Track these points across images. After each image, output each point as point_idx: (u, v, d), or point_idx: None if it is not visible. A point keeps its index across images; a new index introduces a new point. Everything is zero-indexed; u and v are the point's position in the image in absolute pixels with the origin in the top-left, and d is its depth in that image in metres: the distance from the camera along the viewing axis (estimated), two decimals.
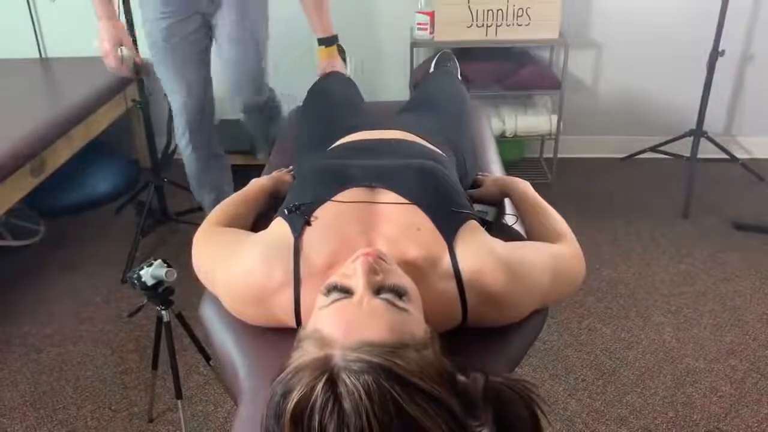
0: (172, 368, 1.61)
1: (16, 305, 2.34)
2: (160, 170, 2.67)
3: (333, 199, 1.10)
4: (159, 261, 1.50)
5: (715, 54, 2.80)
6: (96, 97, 2.70)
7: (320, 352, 0.80)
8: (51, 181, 2.44)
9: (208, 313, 1.19)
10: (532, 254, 1.10)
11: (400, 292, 0.87)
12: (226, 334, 1.13)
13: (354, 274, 0.89)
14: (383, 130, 1.35)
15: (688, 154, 2.95)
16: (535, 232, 1.28)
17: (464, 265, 1.01)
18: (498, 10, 2.77)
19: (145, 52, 2.20)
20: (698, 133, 2.93)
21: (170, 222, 2.75)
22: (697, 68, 2.93)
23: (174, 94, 2.18)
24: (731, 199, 2.93)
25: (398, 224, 1.06)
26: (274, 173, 1.53)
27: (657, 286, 2.35)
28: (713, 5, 2.73)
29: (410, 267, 0.99)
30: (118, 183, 3.09)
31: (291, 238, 1.05)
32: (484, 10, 2.77)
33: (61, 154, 2.45)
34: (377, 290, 0.87)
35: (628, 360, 2.00)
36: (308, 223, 1.06)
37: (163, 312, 1.58)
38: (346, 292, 0.87)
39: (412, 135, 1.35)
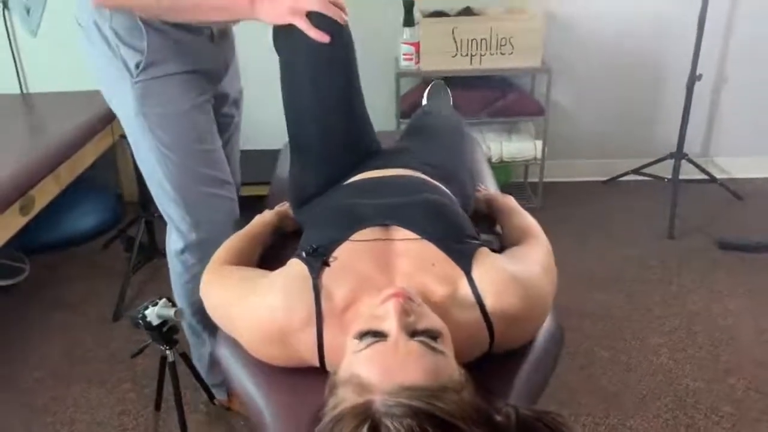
0: (177, 408, 1.59)
1: (4, 347, 2.28)
2: (149, 204, 2.64)
3: (349, 239, 1.10)
4: (164, 300, 1.49)
5: (693, 78, 2.88)
6: (82, 132, 2.66)
7: (360, 398, 0.80)
8: (34, 218, 2.39)
9: (225, 353, 1.18)
10: (532, 264, 1.13)
11: (434, 335, 0.88)
12: (246, 375, 1.12)
13: (386, 316, 0.89)
14: (387, 169, 1.36)
15: (668, 176, 3.02)
16: (510, 229, 1.36)
17: (485, 292, 1.03)
18: (482, 40, 2.82)
19: None
20: (679, 155, 3.01)
21: (160, 257, 2.72)
22: (675, 92, 3.01)
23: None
24: (713, 219, 2.99)
25: (414, 260, 1.07)
26: (278, 208, 1.52)
27: (650, 307, 2.38)
28: (689, 31, 2.81)
29: (431, 302, 1.00)
30: (102, 218, 3.04)
31: (309, 278, 1.05)
32: (468, 40, 2.82)
33: (50, 190, 2.41)
34: (411, 333, 0.87)
35: (629, 383, 2.01)
36: (327, 264, 1.07)
37: (168, 351, 1.56)
38: (380, 335, 0.87)
39: (415, 171, 1.36)
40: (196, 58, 1.51)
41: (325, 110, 1.37)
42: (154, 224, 2.69)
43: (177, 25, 1.44)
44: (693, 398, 1.95)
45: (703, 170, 3.15)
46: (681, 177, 2.98)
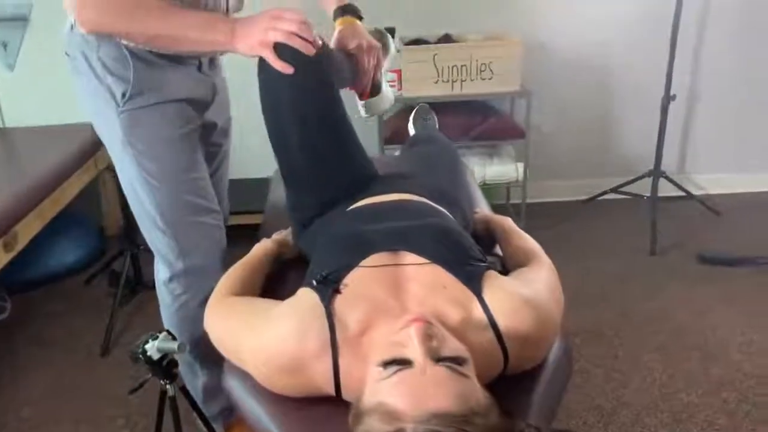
0: None
1: None
2: (135, 237, 2.61)
3: (359, 265, 1.11)
4: (164, 333, 1.46)
5: (667, 98, 2.97)
6: (64, 166, 2.64)
7: (389, 426, 0.80)
8: (16, 254, 2.35)
9: (234, 385, 1.16)
10: (541, 286, 1.14)
11: (460, 361, 0.88)
12: (260, 406, 1.10)
13: (408, 342, 0.89)
14: (390, 194, 1.37)
15: (647, 193, 3.09)
16: (512, 251, 1.36)
17: (498, 313, 1.04)
18: (462, 66, 2.87)
19: None
20: (656, 173, 3.08)
21: (145, 290, 2.68)
22: (651, 111, 3.09)
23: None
24: (693, 235, 3.05)
25: (425, 284, 1.08)
26: (276, 236, 1.52)
27: (639, 324, 2.41)
28: (662, 52, 2.90)
29: (446, 325, 1.00)
30: (85, 253, 2.99)
31: (322, 306, 1.05)
32: (449, 66, 2.86)
33: (33, 226, 2.37)
34: (436, 358, 0.87)
35: (625, 399, 2.03)
36: (338, 291, 1.07)
37: (168, 386, 1.53)
38: (405, 363, 0.87)
39: (418, 196, 1.38)
40: (183, 88, 1.51)
41: (308, 138, 1.38)
42: (140, 257, 2.66)
43: (163, 55, 1.45)
44: (688, 412, 1.97)
45: (680, 187, 3.22)
46: (659, 194, 3.05)
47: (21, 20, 3.01)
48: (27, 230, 2.34)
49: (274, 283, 1.40)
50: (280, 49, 1.27)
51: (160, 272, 1.64)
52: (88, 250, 3.01)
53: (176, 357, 1.69)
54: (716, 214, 3.23)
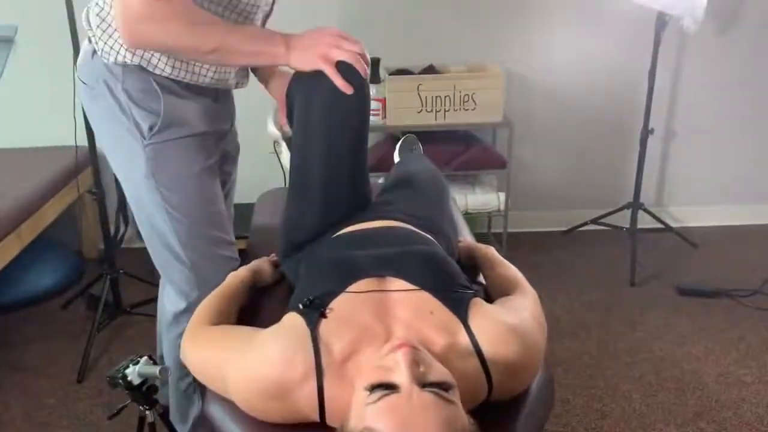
0: None
1: None
2: (114, 261, 2.59)
3: (346, 290, 1.11)
4: (145, 358, 1.44)
5: (646, 132, 3.03)
6: (44, 188, 2.63)
7: None
8: None
9: (216, 413, 1.15)
10: (526, 314, 1.15)
11: (446, 387, 0.88)
12: None
13: (395, 367, 0.90)
14: (377, 221, 1.39)
15: (626, 225, 3.13)
16: (496, 279, 1.37)
17: (482, 340, 1.04)
18: (446, 96, 2.91)
19: None
20: (636, 205, 3.12)
21: (123, 315, 2.65)
22: (630, 144, 3.15)
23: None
24: (671, 266, 3.09)
25: (411, 309, 1.09)
26: (253, 264, 1.51)
27: (618, 354, 2.43)
28: (641, 87, 2.97)
29: (432, 351, 1.01)
30: (63, 276, 2.95)
31: (307, 331, 1.05)
32: (432, 96, 2.90)
33: (12, 249, 2.35)
34: (422, 384, 0.87)
35: (604, 430, 2.04)
36: (324, 315, 1.07)
37: (148, 412, 1.51)
38: (392, 387, 0.87)
39: (404, 223, 1.39)
40: (206, 120, 1.51)
41: (333, 157, 1.40)
42: (119, 281, 2.63)
43: (188, 87, 1.44)
44: None
45: (658, 219, 3.28)
46: (638, 226, 3.10)
47: (6, 41, 3.00)
48: (5, 252, 2.31)
49: (249, 311, 1.40)
50: (342, 67, 1.29)
51: (173, 303, 1.62)
52: (66, 274, 2.97)
53: (168, 384, 1.68)
54: (693, 246, 3.28)
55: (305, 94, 1.37)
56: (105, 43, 1.39)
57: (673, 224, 3.36)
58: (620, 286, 2.92)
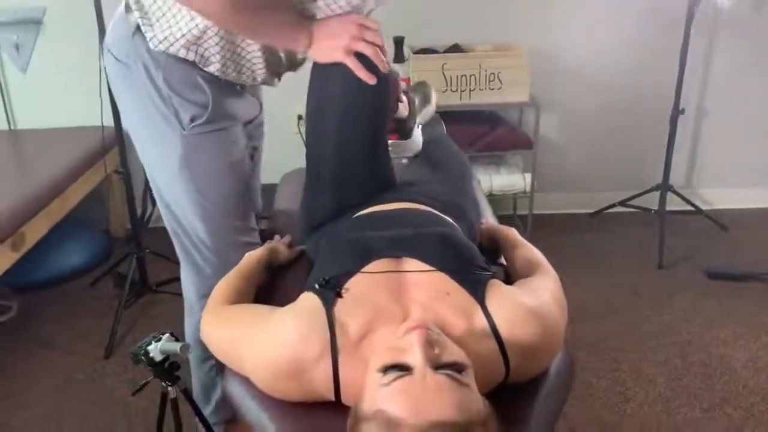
0: None
1: None
2: (141, 240, 2.62)
3: (362, 270, 1.11)
4: (167, 335, 1.46)
5: (676, 112, 2.96)
6: (72, 168, 2.66)
7: None
8: (22, 255, 2.36)
9: (236, 390, 1.16)
10: (546, 296, 1.14)
11: (460, 368, 0.88)
12: (259, 411, 1.10)
13: (409, 348, 0.89)
14: (397, 202, 1.38)
15: (654, 207, 3.08)
16: (516, 261, 1.35)
17: (500, 322, 1.03)
18: (471, 76, 2.88)
19: None
20: (665, 187, 3.07)
21: (150, 293, 2.69)
22: (660, 124, 3.08)
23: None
24: (701, 249, 3.03)
25: (428, 290, 1.08)
26: (268, 244, 1.52)
27: (644, 337, 2.39)
28: (672, 65, 2.90)
29: (448, 332, 1.00)
30: (91, 255, 3.00)
31: (323, 310, 1.05)
32: (458, 76, 2.87)
33: (41, 227, 2.39)
34: (436, 366, 0.87)
35: (627, 413, 2.02)
36: (339, 295, 1.07)
37: (170, 388, 1.53)
38: (405, 369, 0.87)
39: (424, 205, 1.38)
40: (243, 111, 1.52)
41: (346, 150, 1.38)
42: (146, 260, 2.67)
43: (228, 81, 1.44)
44: (692, 428, 1.96)
45: (688, 201, 3.21)
46: (667, 208, 3.04)
47: (34, 23, 3.03)
48: (34, 231, 2.36)
49: (267, 290, 1.40)
50: (363, 60, 1.28)
51: (195, 287, 1.63)
52: (94, 253, 3.02)
53: (191, 364, 1.70)
54: (724, 229, 3.21)
55: (321, 81, 1.35)
56: (161, 31, 1.35)
57: (703, 206, 3.29)
58: (648, 269, 2.88)
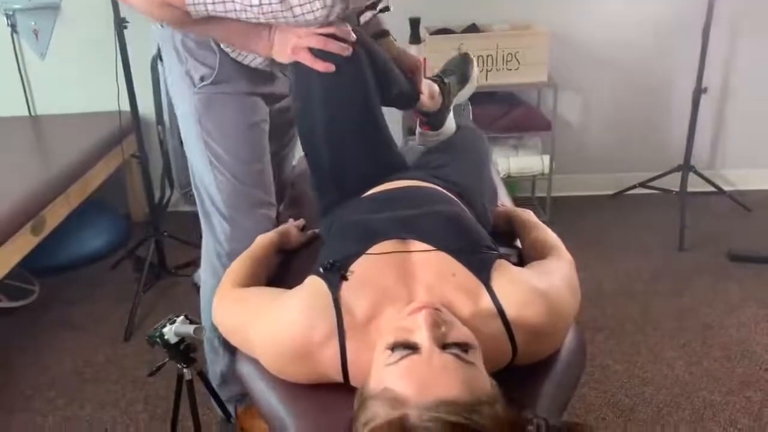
0: (195, 428, 1.57)
1: (16, 369, 2.27)
2: (159, 224, 2.65)
3: (367, 252, 1.10)
4: (182, 317, 1.47)
5: (699, 91, 2.90)
6: (91, 153, 2.69)
7: (394, 412, 0.80)
8: (44, 239, 2.40)
9: (247, 371, 1.17)
10: (556, 278, 1.12)
11: (466, 348, 0.87)
12: (270, 392, 1.11)
13: (416, 328, 0.89)
14: (399, 181, 1.37)
15: (676, 188, 3.03)
16: (531, 243, 1.34)
17: (506, 302, 1.02)
18: (488, 56, 2.84)
19: None
20: (686, 167, 3.01)
21: (169, 276, 2.72)
22: (681, 104, 3.03)
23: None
24: (722, 231, 2.98)
25: (433, 271, 1.07)
26: (280, 227, 1.53)
27: (663, 320, 2.37)
28: (694, 43, 2.83)
29: (454, 312, 0.99)
30: (111, 239, 3.04)
31: (329, 293, 1.04)
32: (474, 56, 2.81)
33: (61, 211, 2.43)
34: (443, 345, 0.86)
35: (645, 396, 2.00)
36: (345, 278, 1.06)
37: (185, 370, 1.55)
38: (412, 348, 0.86)
39: (427, 183, 1.37)
40: (257, 82, 1.56)
41: (335, 133, 1.38)
42: (164, 243, 2.69)
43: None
44: (710, 411, 1.93)
45: (710, 182, 3.16)
46: (689, 190, 2.99)
47: (52, 9, 3.05)
48: (55, 215, 2.39)
49: (280, 273, 1.41)
50: (317, 52, 1.29)
51: (209, 244, 1.69)
52: (114, 236, 3.05)
53: (202, 339, 1.71)
54: (747, 210, 3.15)
55: (296, 75, 1.36)
56: None
57: (726, 187, 3.23)
58: (668, 251, 2.84)
